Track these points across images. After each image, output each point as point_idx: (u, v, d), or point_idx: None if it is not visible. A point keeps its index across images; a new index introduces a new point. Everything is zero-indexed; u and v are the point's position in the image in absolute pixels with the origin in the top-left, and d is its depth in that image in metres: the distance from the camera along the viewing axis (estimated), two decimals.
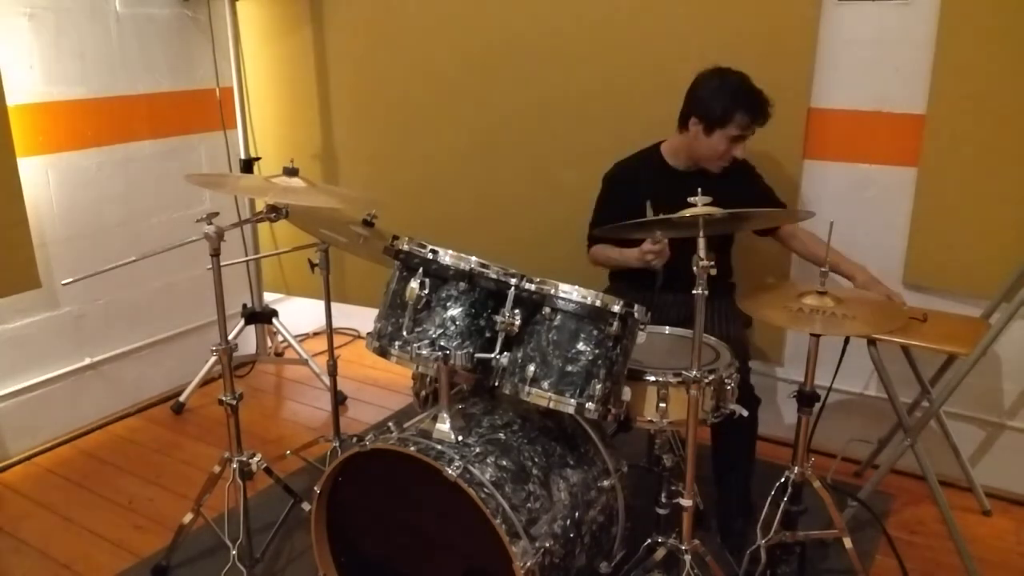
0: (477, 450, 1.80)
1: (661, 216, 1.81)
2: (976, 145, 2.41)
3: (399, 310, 1.87)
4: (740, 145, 2.30)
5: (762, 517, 2.07)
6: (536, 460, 1.86)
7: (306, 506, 2.33)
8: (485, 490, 1.69)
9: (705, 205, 1.75)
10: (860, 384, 2.77)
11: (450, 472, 1.67)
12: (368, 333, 1.95)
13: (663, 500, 2.02)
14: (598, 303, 1.78)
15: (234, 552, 2.15)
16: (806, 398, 2.00)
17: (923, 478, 2.33)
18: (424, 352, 1.80)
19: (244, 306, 3.53)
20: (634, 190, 2.39)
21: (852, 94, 2.56)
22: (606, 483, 1.97)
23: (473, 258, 1.84)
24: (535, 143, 3.06)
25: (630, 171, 2.49)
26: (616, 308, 1.78)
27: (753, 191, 2.45)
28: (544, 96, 3.00)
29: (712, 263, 1.73)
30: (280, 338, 3.67)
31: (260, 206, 2.75)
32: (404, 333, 1.84)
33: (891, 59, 2.49)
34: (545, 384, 1.78)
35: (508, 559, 1.64)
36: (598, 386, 1.78)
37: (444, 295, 1.84)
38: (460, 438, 1.82)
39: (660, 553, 1.97)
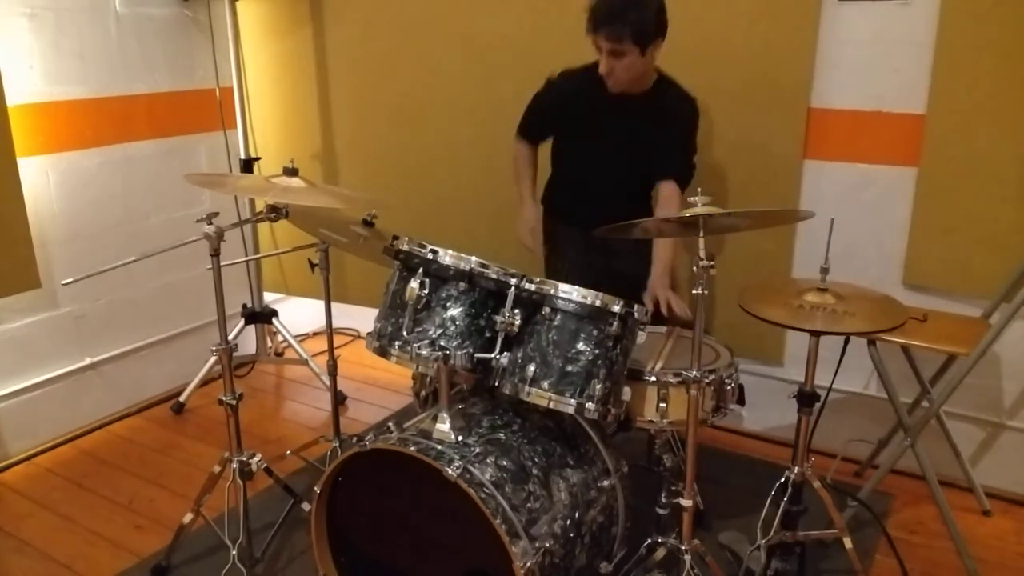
0: (477, 450, 1.80)
1: (661, 217, 1.81)
2: (976, 145, 2.41)
3: (399, 310, 1.87)
4: (603, 57, 2.25)
5: (762, 517, 2.07)
6: (536, 460, 1.87)
7: (306, 506, 2.33)
8: (485, 490, 1.69)
9: (705, 205, 1.76)
10: (860, 384, 2.77)
11: (450, 472, 1.67)
12: (368, 333, 1.96)
13: (663, 500, 2.03)
14: (598, 303, 1.78)
15: (234, 552, 2.15)
16: (806, 398, 2.00)
17: (923, 478, 2.33)
18: (424, 352, 1.81)
19: (244, 306, 3.53)
20: (566, 102, 2.48)
21: (852, 94, 2.56)
22: (606, 483, 1.97)
23: (473, 258, 1.84)
24: None
25: (569, 82, 2.46)
26: (616, 308, 1.79)
27: (665, 128, 2.39)
28: None
29: (712, 263, 1.73)
30: (280, 338, 3.67)
31: (260, 206, 2.75)
32: (404, 333, 1.84)
33: (891, 59, 2.49)
34: (545, 384, 1.78)
35: (508, 559, 1.64)
36: (598, 386, 1.78)
37: (444, 295, 1.84)
38: (460, 438, 1.82)
39: (660, 553, 1.98)
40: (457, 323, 1.83)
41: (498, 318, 1.81)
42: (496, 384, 1.84)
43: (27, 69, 2.81)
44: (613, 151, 2.44)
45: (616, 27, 2.17)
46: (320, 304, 2.48)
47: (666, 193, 2.38)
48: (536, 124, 2.58)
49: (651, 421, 1.95)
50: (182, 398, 3.29)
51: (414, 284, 1.82)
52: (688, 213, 1.77)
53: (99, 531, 2.51)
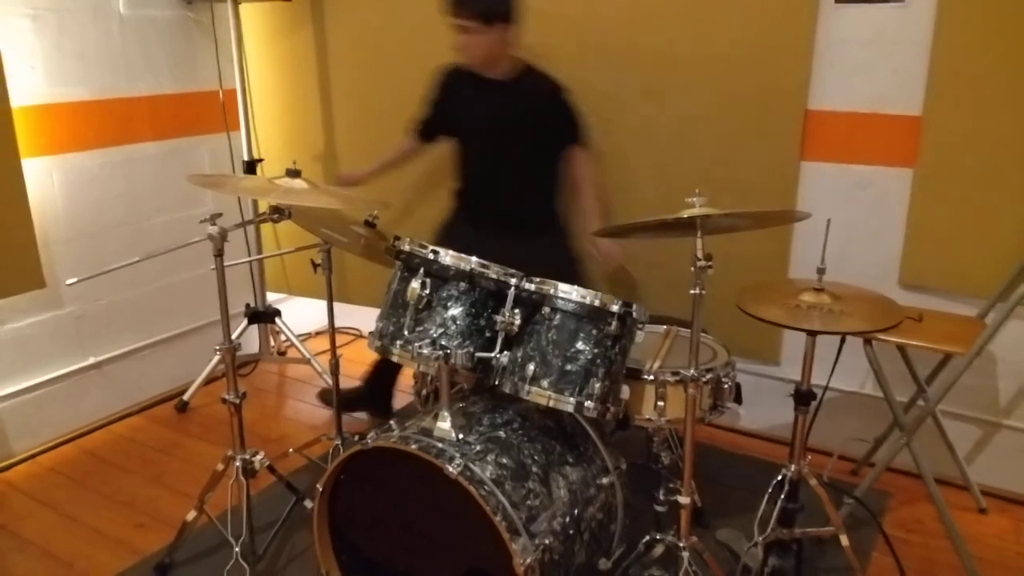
0: (477, 448, 1.82)
1: (658, 218, 1.83)
2: (972, 146, 2.43)
3: (400, 310, 1.89)
4: (457, 35, 2.50)
5: (759, 514, 2.09)
6: (536, 458, 1.88)
7: (308, 504, 2.35)
8: (485, 488, 1.71)
9: (702, 205, 1.77)
10: (856, 383, 2.78)
11: (451, 470, 1.69)
12: (370, 332, 1.97)
13: (661, 497, 2.04)
14: (597, 303, 1.80)
15: (237, 549, 2.16)
16: (803, 397, 2.01)
17: (919, 476, 2.34)
18: (425, 351, 1.82)
19: (247, 306, 3.55)
20: (448, 91, 2.73)
21: (849, 95, 2.58)
22: (605, 480, 1.99)
23: (473, 258, 1.86)
24: None
25: (453, 74, 2.71)
26: (615, 308, 1.80)
27: (551, 108, 2.61)
28: None
29: (709, 263, 1.75)
30: (283, 337, 3.69)
31: (263, 207, 2.77)
32: (405, 332, 1.86)
33: (888, 60, 2.51)
34: (545, 383, 1.80)
35: (508, 556, 1.66)
36: (597, 385, 1.80)
37: (445, 295, 1.85)
38: (461, 436, 1.84)
39: (658, 550, 2.00)
40: (458, 322, 1.85)
41: (498, 318, 1.83)
42: (496, 383, 1.86)
43: (29, 70, 2.83)
44: (489, 135, 2.65)
45: (461, 5, 2.46)
46: (322, 304, 2.50)
47: (580, 159, 2.67)
48: (423, 120, 2.82)
49: (649, 419, 1.97)
50: (186, 397, 3.31)
51: (415, 284, 1.84)
52: (686, 214, 1.79)
53: (101, 530, 2.53)
